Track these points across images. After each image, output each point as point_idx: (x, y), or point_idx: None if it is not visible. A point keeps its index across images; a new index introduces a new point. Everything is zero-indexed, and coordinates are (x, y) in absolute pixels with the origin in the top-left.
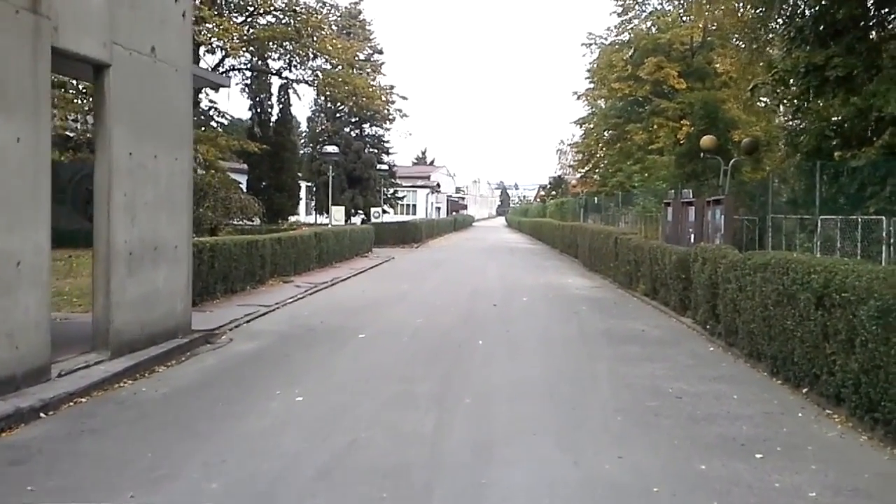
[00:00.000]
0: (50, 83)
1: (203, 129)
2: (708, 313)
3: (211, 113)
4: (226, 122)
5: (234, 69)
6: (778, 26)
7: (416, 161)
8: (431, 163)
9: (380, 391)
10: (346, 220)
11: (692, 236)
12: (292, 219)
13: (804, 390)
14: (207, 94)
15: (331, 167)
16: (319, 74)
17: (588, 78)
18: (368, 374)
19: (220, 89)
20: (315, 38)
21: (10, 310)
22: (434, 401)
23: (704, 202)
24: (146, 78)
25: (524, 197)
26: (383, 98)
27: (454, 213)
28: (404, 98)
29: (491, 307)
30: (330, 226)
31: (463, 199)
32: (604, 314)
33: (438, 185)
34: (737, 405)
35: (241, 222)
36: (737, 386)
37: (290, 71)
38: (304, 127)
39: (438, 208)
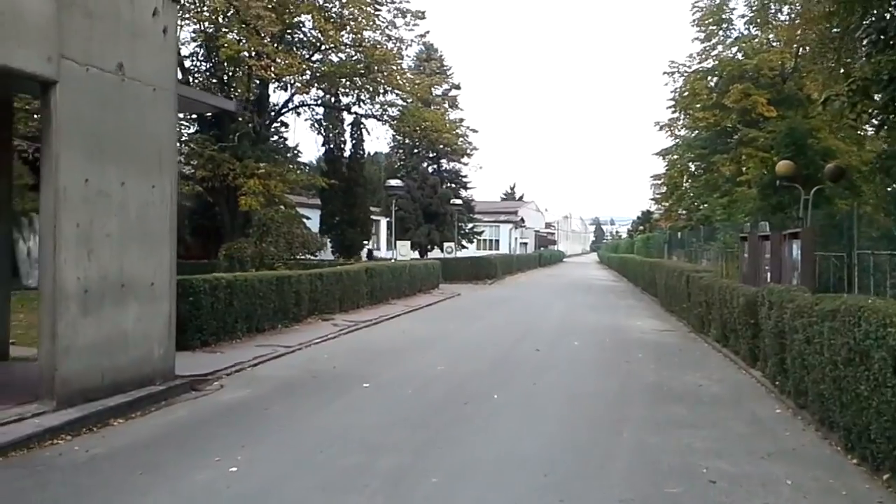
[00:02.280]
0: None
1: (263, 163)
2: (777, 367)
3: (279, 146)
4: (290, 156)
5: (303, 105)
6: (860, 31)
7: (504, 197)
8: (520, 198)
9: (333, 463)
10: (423, 255)
11: (768, 275)
12: (377, 254)
13: (885, 476)
14: (277, 130)
15: (393, 201)
16: (388, 109)
17: (671, 107)
18: (336, 438)
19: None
20: (384, 73)
21: None
22: (390, 481)
23: (780, 236)
24: (110, 97)
25: (617, 232)
26: (454, 132)
27: (541, 249)
28: (474, 131)
29: (533, 352)
30: (393, 260)
31: (552, 234)
32: (660, 364)
33: (522, 220)
34: (788, 497)
35: (303, 257)
36: (796, 466)
37: (359, 106)
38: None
39: (525, 244)
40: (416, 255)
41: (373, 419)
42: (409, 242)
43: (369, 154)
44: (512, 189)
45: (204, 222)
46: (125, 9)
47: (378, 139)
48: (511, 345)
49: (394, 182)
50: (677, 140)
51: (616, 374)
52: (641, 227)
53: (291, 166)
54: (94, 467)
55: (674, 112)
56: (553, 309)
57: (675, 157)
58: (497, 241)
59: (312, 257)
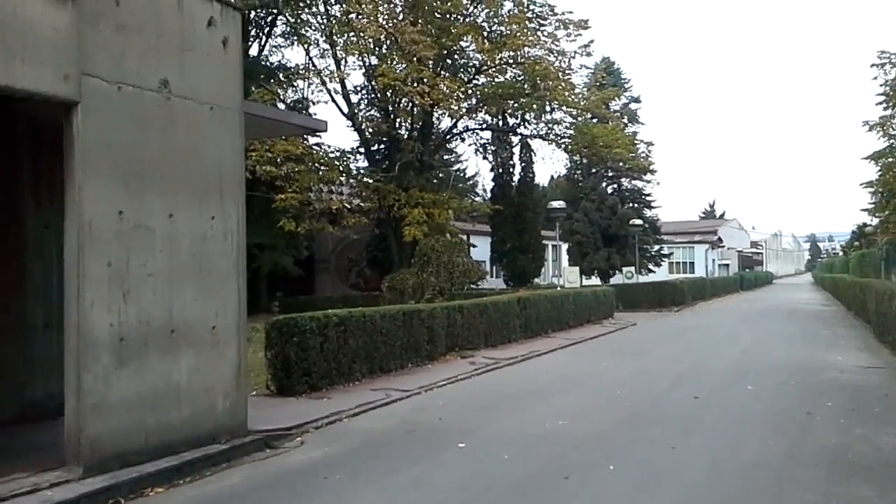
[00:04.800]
0: None
1: (427, 192)
2: None
3: (443, 174)
4: (454, 183)
5: (468, 130)
6: None
7: (703, 215)
8: (721, 216)
9: None
10: (605, 280)
11: None
12: (537, 281)
13: None
14: (442, 158)
15: (557, 224)
16: (554, 127)
17: (881, 103)
18: None
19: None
20: (549, 90)
21: None
22: None
23: None
24: (152, 118)
25: (834, 250)
26: (628, 147)
27: (745, 271)
28: (650, 144)
29: (688, 400)
30: (559, 288)
31: (759, 254)
32: (853, 417)
33: (720, 240)
34: None
35: (466, 287)
36: None
37: (524, 126)
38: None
39: (726, 265)
40: (596, 280)
41: (440, 497)
42: (577, 268)
43: (555, 177)
44: (711, 207)
45: (378, 254)
46: (170, 19)
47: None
48: (665, 389)
49: (556, 204)
50: (892, 140)
51: (789, 433)
52: (857, 243)
53: (456, 195)
54: None
55: (886, 108)
56: (737, 341)
57: (891, 159)
58: (692, 263)
59: (473, 286)
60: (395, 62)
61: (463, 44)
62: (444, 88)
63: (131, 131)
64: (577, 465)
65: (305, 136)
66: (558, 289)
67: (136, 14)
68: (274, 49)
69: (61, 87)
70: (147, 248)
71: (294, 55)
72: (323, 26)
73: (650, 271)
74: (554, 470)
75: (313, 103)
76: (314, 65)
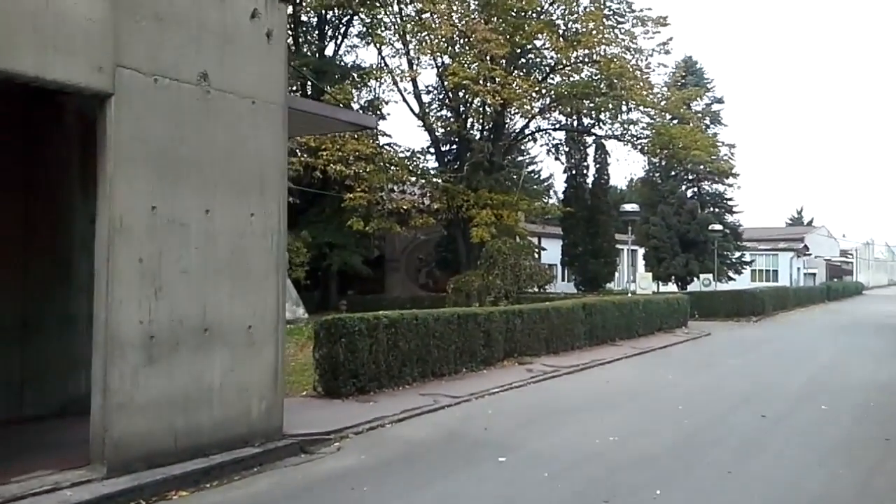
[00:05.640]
0: None
1: (496, 193)
2: None
3: (514, 175)
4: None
5: (540, 130)
6: None
7: (790, 222)
8: (809, 223)
9: None
10: (683, 287)
11: None
12: (609, 286)
13: None
14: (513, 159)
15: (630, 227)
16: (630, 128)
17: None
18: None
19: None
20: (626, 89)
21: None
22: None
23: None
24: (189, 112)
25: None
26: (708, 149)
27: (833, 280)
28: (731, 146)
29: (754, 420)
30: (630, 294)
31: (849, 263)
32: None
33: (806, 248)
34: None
35: (534, 290)
36: None
37: (599, 127)
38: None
39: (812, 274)
40: (673, 287)
41: None
42: (649, 274)
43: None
44: (799, 213)
45: (447, 255)
46: (212, 10)
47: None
48: (731, 407)
49: (629, 207)
50: None
51: (863, 462)
52: None
53: (527, 196)
54: None
55: None
56: (817, 356)
57: None
58: (775, 271)
59: (538, 290)
60: (466, 61)
61: (537, 42)
62: (517, 87)
63: (167, 125)
64: (621, 489)
65: (376, 136)
66: (629, 295)
67: (176, 5)
68: (349, 49)
69: (95, 78)
70: (181, 244)
71: (367, 55)
72: (396, 26)
73: (730, 279)
74: (594, 493)
75: (385, 103)
76: (386, 64)
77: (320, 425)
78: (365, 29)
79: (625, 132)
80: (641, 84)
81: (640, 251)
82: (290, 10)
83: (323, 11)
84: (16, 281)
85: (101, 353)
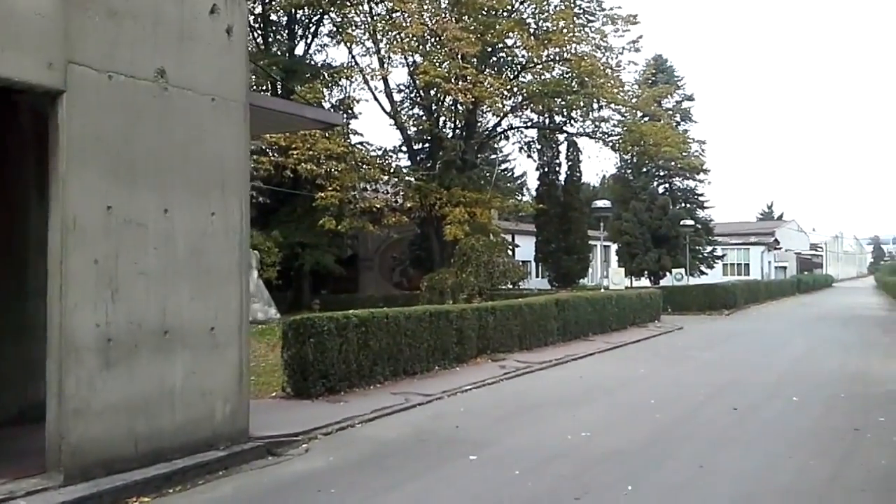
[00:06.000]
0: None
1: (469, 191)
2: None
3: (486, 173)
4: (497, 182)
5: (512, 128)
6: None
7: (760, 217)
8: (778, 217)
9: None
10: (655, 282)
11: None
12: (582, 282)
13: None
14: (486, 157)
15: (602, 224)
16: (601, 125)
17: None
18: None
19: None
20: (596, 87)
21: None
22: None
23: None
24: (146, 109)
25: None
26: (678, 145)
27: (804, 273)
28: (702, 143)
29: (725, 413)
30: (603, 290)
31: (819, 256)
32: None
33: (776, 242)
34: None
35: (507, 287)
36: None
37: (570, 125)
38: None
39: (783, 268)
40: (646, 283)
41: None
42: (622, 270)
43: (603, 177)
44: (769, 208)
45: (421, 253)
46: (169, 6)
47: (591, 158)
48: (702, 400)
49: (601, 203)
50: None
51: (833, 452)
52: None
53: (500, 194)
54: None
55: None
56: (788, 348)
57: None
58: (747, 265)
59: (512, 287)
60: (438, 60)
61: (508, 41)
62: (488, 86)
63: (123, 122)
64: (593, 485)
65: (347, 135)
66: (602, 291)
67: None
68: (319, 48)
69: (45, 75)
70: (139, 244)
71: (338, 54)
72: (367, 25)
73: (702, 273)
74: (566, 490)
75: (356, 102)
76: (357, 63)
77: (288, 427)
78: (335, 28)
79: (596, 129)
80: (612, 82)
81: (613, 247)
82: (259, 8)
83: (293, 10)
84: None
85: (56, 357)
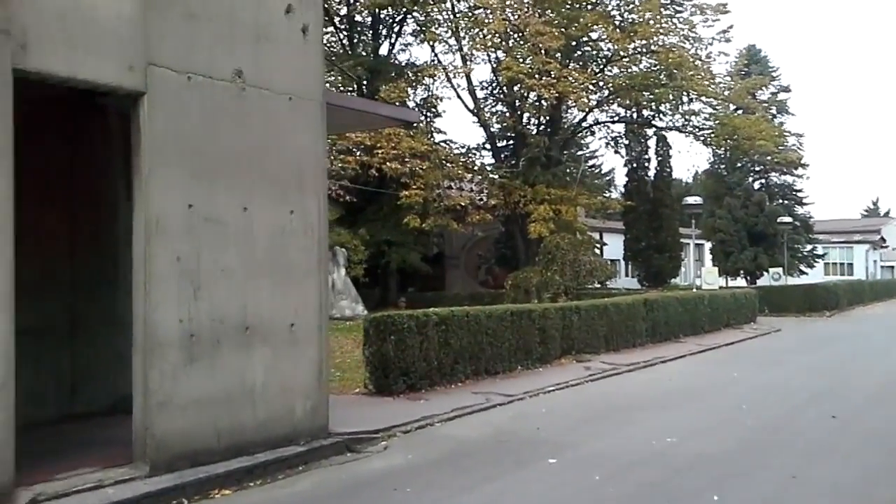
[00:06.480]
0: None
1: (553, 187)
2: None
3: (573, 169)
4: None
5: (598, 123)
6: None
7: (865, 213)
8: (886, 214)
9: None
10: (752, 282)
11: None
12: (674, 282)
13: None
14: (572, 153)
15: (694, 221)
16: (691, 119)
17: None
18: None
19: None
20: (685, 79)
21: None
22: None
23: None
24: (224, 109)
25: None
26: (773, 139)
27: None
28: (799, 136)
29: (823, 420)
30: (695, 289)
31: None
32: None
33: (883, 240)
34: None
35: (594, 286)
36: None
37: (660, 118)
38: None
39: (890, 268)
40: (742, 282)
41: None
42: (715, 269)
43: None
44: (875, 204)
45: (506, 251)
46: (245, 6)
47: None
48: (798, 406)
49: (692, 199)
50: None
51: None
52: None
53: (586, 190)
54: None
55: None
56: (894, 353)
57: None
58: (850, 264)
59: (599, 285)
60: (521, 55)
61: (592, 34)
62: (572, 80)
63: (202, 122)
64: (676, 494)
65: (431, 133)
66: (693, 290)
67: (208, 1)
68: (403, 48)
69: (126, 77)
70: (219, 242)
71: (421, 52)
72: (450, 23)
73: (802, 273)
74: (648, 498)
75: (440, 100)
76: (440, 61)
77: (368, 424)
78: (418, 27)
79: (686, 123)
80: (702, 74)
81: (707, 245)
82: (344, 9)
83: (377, 11)
84: (64, 282)
85: (141, 352)
